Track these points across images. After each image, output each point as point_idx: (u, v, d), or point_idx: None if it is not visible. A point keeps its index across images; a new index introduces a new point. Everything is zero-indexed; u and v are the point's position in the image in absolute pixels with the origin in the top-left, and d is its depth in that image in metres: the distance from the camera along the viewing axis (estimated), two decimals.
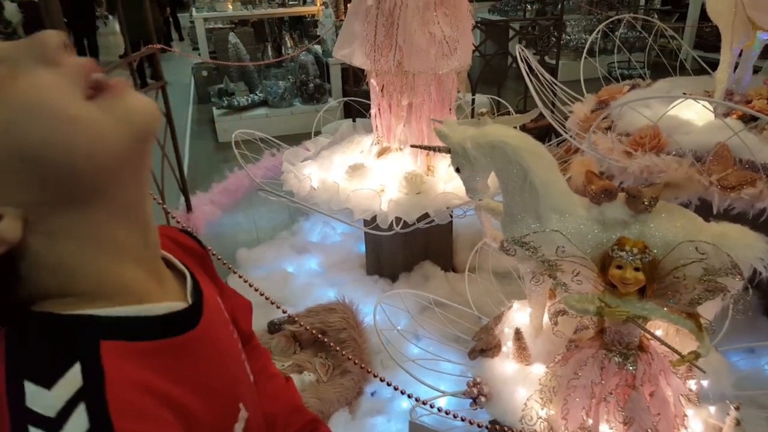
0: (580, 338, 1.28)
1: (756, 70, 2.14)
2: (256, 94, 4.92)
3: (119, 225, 0.47)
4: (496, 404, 1.34)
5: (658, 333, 1.20)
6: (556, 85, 2.36)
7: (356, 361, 1.43)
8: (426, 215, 2.01)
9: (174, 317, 0.50)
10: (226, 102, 4.78)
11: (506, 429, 1.26)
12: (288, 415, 0.77)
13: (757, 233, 1.10)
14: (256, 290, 1.47)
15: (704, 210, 1.54)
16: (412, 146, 2.11)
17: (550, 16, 5.41)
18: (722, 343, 1.51)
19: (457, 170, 1.30)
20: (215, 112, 4.79)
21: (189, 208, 2.57)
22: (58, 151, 0.41)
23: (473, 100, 3.56)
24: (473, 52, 2.19)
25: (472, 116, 3.45)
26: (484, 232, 1.53)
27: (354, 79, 4.15)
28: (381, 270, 2.43)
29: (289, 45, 5.43)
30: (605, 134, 1.97)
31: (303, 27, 6.15)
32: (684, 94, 1.98)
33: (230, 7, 5.93)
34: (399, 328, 1.84)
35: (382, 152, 2.26)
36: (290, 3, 6.12)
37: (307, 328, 1.54)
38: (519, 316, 1.51)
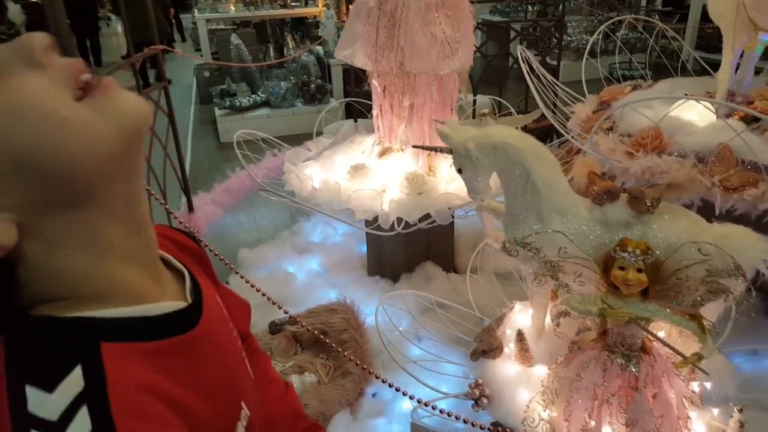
0: (583, 340, 1.28)
1: (758, 71, 2.14)
2: (258, 95, 4.92)
3: (115, 225, 0.47)
4: (498, 406, 1.34)
5: (661, 334, 1.19)
6: (557, 85, 2.36)
7: (357, 362, 1.43)
8: (427, 216, 2.01)
9: (174, 317, 0.50)
10: (228, 102, 4.79)
11: (508, 431, 1.26)
12: (288, 420, 0.77)
13: (759, 234, 1.10)
14: (258, 290, 1.47)
15: (706, 211, 1.53)
16: (414, 147, 2.11)
17: (551, 17, 5.41)
18: (725, 345, 1.50)
19: (459, 171, 1.30)
20: (217, 112, 4.79)
21: (191, 208, 2.57)
22: (49, 153, 0.40)
23: (474, 100, 3.56)
24: (474, 53, 2.19)
25: (474, 117, 3.45)
26: (485, 232, 1.53)
27: (355, 79, 4.15)
28: (382, 270, 2.43)
29: (290, 46, 5.43)
30: (607, 135, 1.97)
31: (305, 28, 6.16)
32: (686, 95, 1.98)
33: (232, 8, 5.94)
34: (400, 329, 1.84)
35: (383, 153, 2.27)
36: (292, 4, 6.12)
37: (309, 328, 1.54)
38: (521, 317, 1.51)
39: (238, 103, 4.78)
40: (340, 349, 1.54)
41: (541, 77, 2.25)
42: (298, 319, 1.68)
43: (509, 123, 2.04)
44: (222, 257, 1.48)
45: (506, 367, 1.39)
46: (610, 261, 1.11)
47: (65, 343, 0.42)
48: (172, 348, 0.48)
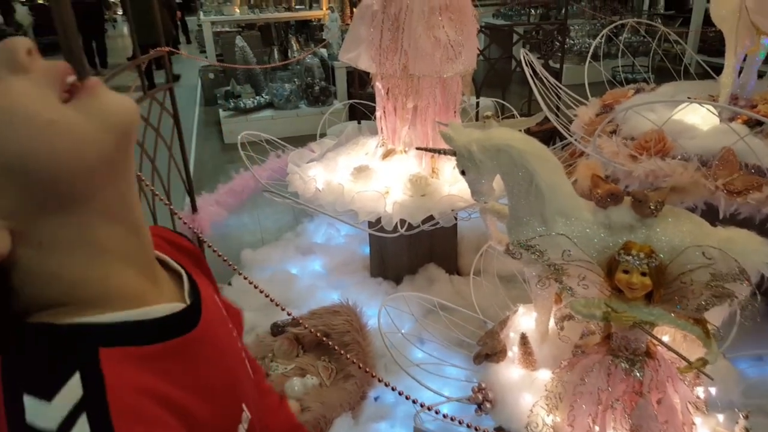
0: (586, 344, 1.28)
1: (761, 75, 2.14)
2: (262, 96, 4.94)
3: (109, 227, 0.46)
4: (501, 410, 1.33)
5: (665, 339, 1.19)
6: (560, 89, 2.36)
7: (360, 365, 1.43)
8: (431, 217, 2.02)
9: (173, 319, 0.50)
10: (232, 104, 4.80)
11: None
12: (285, 431, 0.77)
13: (764, 238, 1.10)
14: (261, 292, 1.47)
15: (710, 215, 1.53)
16: (417, 149, 2.12)
17: (554, 20, 5.41)
18: (729, 350, 1.49)
19: (463, 173, 1.30)
20: (221, 113, 4.81)
21: (194, 208, 2.57)
22: (37, 156, 0.40)
23: (477, 103, 3.56)
24: (477, 56, 2.20)
25: (477, 119, 3.45)
26: (489, 235, 1.53)
27: (359, 81, 4.16)
28: (385, 272, 2.43)
29: (295, 48, 5.45)
30: (610, 138, 1.97)
31: (309, 31, 6.18)
32: (689, 98, 1.98)
33: (237, 10, 5.96)
34: (403, 331, 1.83)
35: (386, 154, 2.27)
36: (297, 7, 6.14)
37: (312, 330, 1.54)
38: (524, 320, 1.51)
39: (242, 105, 4.79)
40: (342, 352, 1.53)
41: (544, 80, 2.25)
42: (300, 321, 1.68)
43: (512, 125, 2.04)
44: (225, 258, 1.48)
45: (510, 371, 1.38)
46: (614, 264, 1.11)
47: (63, 350, 0.42)
48: (171, 350, 0.48)
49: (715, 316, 1.12)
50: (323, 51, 5.17)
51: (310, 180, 2.19)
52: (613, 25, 2.80)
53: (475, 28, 2.11)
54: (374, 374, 1.44)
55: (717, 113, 1.91)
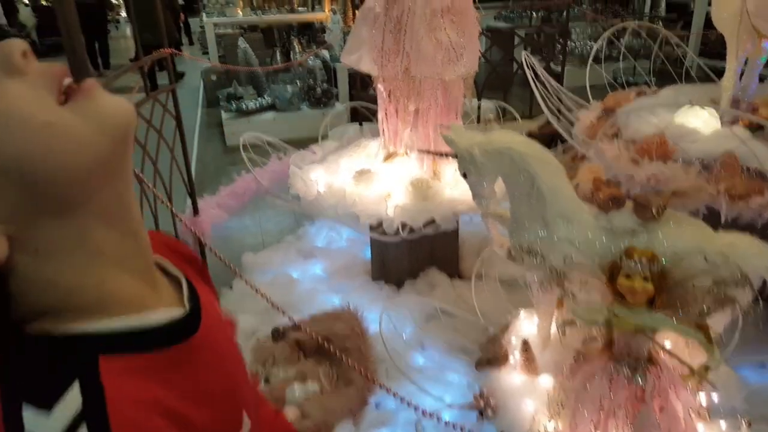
0: (588, 349, 1.27)
1: (762, 79, 2.14)
2: (264, 98, 4.95)
3: (106, 232, 0.46)
4: (503, 417, 1.32)
5: (667, 345, 1.19)
6: (561, 92, 2.36)
7: (362, 371, 1.42)
8: (432, 221, 2.01)
9: (173, 325, 0.49)
10: (234, 106, 4.81)
11: None
12: None
13: (766, 243, 1.10)
14: (262, 296, 1.47)
15: (712, 219, 1.53)
16: (419, 151, 2.12)
17: (556, 23, 5.42)
18: (732, 356, 1.48)
19: (464, 176, 1.31)
20: (224, 115, 4.81)
21: (196, 211, 2.58)
22: (33, 159, 0.40)
23: (479, 105, 3.56)
24: (479, 58, 2.20)
25: (478, 122, 3.45)
26: (490, 238, 1.53)
27: (361, 83, 4.16)
28: (386, 276, 2.42)
29: (297, 50, 5.46)
30: (612, 142, 1.97)
31: (311, 33, 6.19)
32: (690, 102, 1.98)
33: (240, 12, 5.97)
34: (404, 336, 1.83)
35: (388, 157, 2.27)
36: (299, 9, 6.16)
37: (313, 335, 1.53)
38: (526, 325, 1.50)
39: (244, 107, 4.80)
40: (343, 357, 1.53)
41: (546, 83, 2.25)
42: (301, 326, 1.67)
43: (514, 128, 2.04)
44: (227, 261, 1.48)
45: (511, 377, 1.38)
46: (616, 269, 1.10)
47: (62, 360, 0.41)
48: (171, 357, 0.47)
49: (718, 323, 1.11)
50: (325, 53, 5.18)
51: (311, 182, 2.19)
52: (615, 28, 2.80)
53: (476, 30, 2.11)
54: (376, 380, 1.44)
55: (718, 117, 1.91)
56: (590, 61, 2.47)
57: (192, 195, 2.46)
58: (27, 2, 10.26)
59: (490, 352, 1.43)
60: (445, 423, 1.32)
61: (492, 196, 1.32)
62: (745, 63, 2.03)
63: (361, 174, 2.14)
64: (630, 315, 1.09)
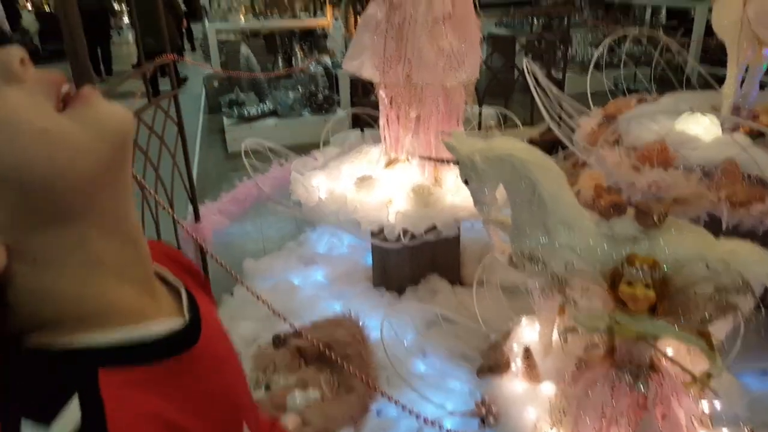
0: (590, 357, 1.27)
1: (763, 86, 2.14)
2: (266, 104, 4.96)
3: (105, 240, 0.45)
4: (505, 424, 1.32)
5: (669, 352, 1.18)
6: (562, 98, 2.37)
7: (363, 378, 1.42)
8: (433, 227, 2.02)
9: (174, 337, 0.48)
10: (236, 112, 4.82)
11: None
12: None
13: (767, 250, 1.10)
14: (264, 303, 1.47)
15: (713, 226, 1.53)
16: (420, 158, 2.12)
17: (557, 30, 5.44)
18: (733, 364, 1.48)
19: (466, 182, 1.31)
20: (225, 121, 4.83)
21: (197, 217, 2.58)
22: (31, 166, 0.39)
23: (480, 112, 3.57)
24: (480, 65, 2.21)
25: (480, 128, 3.46)
26: (492, 244, 1.53)
27: (363, 90, 4.18)
28: (387, 282, 2.42)
29: (299, 56, 5.48)
30: (613, 148, 1.98)
31: (313, 39, 6.22)
32: (691, 109, 1.98)
33: (242, 19, 6.00)
34: (405, 343, 1.82)
35: (390, 163, 2.28)
36: (301, 16, 6.19)
37: (315, 342, 1.53)
38: (528, 332, 1.50)
39: (245, 113, 4.81)
40: (344, 364, 1.52)
41: (547, 90, 2.26)
42: (302, 333, 1.67)
43: (515, 135, 2.05)
44: (228, 267, 1.48)
45: (513, 385, 1.38)
46: (618, 276, 1.10)
47: (61, 374, 0.41)
48: (171, 368, 0.47)
49: (720, 330, 1.11)
50: (327, 59, 5.20)
51: (313, 189, 2.19)
52: (615, 35, 2.81)
53: (478, 37, 2.12)
54: (377, 387, 1.43)
55: (719, 124, 1.92)
56: (591, 68, 2.48)
57: (193, 201, 2.46)
58: (30, 8, 10.34)
59: (492, 359, 1.43)
60: (447, 431, 1.32)
61: (493, 202, 1.32)
62: (746, 70, 2.04)
63: (363, 180, 2.14)
64: (631, 322, 1.08)
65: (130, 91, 2.04)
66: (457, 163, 1.29)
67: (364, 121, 3.19)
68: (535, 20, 6.31)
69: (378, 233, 2.07)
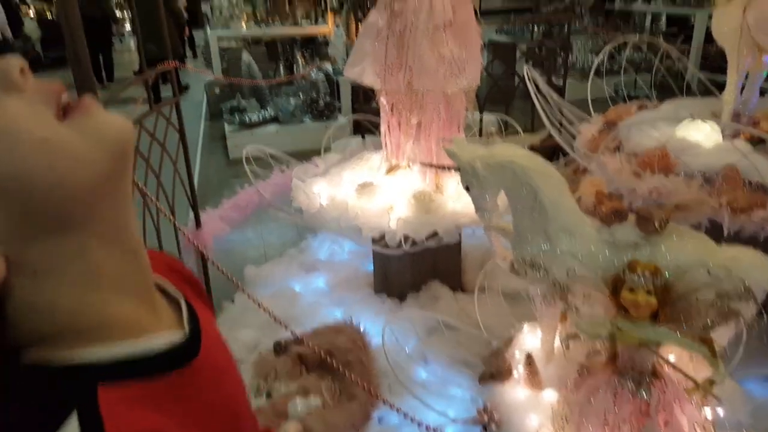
0: (592, 363, 1.27)
1: (763, 92, 2.15)
2: (267, 111, 4.98)
3: (106, 252, 0.45)
4: None
5: (671, 358, 1.18)
6: (563, 105, 2.38)
7: (365, 386, 1.41)
8: (435, 233, 2.02)
9: (174, 351, 0.48)
10: (237, 118, 4.84)
11: None
12: None
13: None
14: (265, 310, 1.46)
15: (714, 232, 1.53)
16: (421, 164, 2.13)
17: (557, 37, 5.47)
18: (736, 370, 1.47)
19: (467, 189, 1.31)
20: (227, 128, 4.84)
21: (198, 224, 2.58)
22: (32, 176, 0.39)
23: (481, 119, 3.58)
24: (481, 72, 2.22)
25: (480, 135, 3.47)
26: (493, 251, 1.53)
27: (364, 96, 4.19)
28: (389, 289, 2.42)
29: (300, 63, 5.51)
30: (614, 155, 1.98)
31: (314, 46, 6.25)
32: (691, 116, 1.99)
33: (244, 26, 6.03)
34: (407, 350, 1.82)
35: (391, 169, 2.28)
36: (303, 23, 6.22)
37: (316, 349, 1.53)
38: (529, 339, 1.50)
39: (247, 119, 4.83)
40: (346, 372, 1.52)
41: (547, 96, 2.26)
42: (303, 340, 1.67)
43: (516, 142, 2.05)
44: (229, 275, 1.48)
45: (515, 392, 1.37)
46: (619, 283, 1.10)
47: (60, 391, 0.40)
48: (171, 382, 0.46)
49: (722, 336, 1.11)
50: (328, 66, 5.22)
51: (314, 195, 2.19)
52: (616, 42, 2.82)
53: (478, 44, 2.13)
54: (378, 395, 1.43)
55: (720, 130, 1.92)
56: (591, 74, 2.49)
57: (194, 208, 2.47)
58: (32, 15, 10.41)
59: (494, 366, 1.42)
60: None
61: (494, 209, 1.32)
62: (746, 77, 2.05)
63: (364, 187, 2.14)
64: (633, 329, 1.08)
65: (132, 97, 2.05)
66: (458, 169, 1.29)
67: (365, 127, 3.20)
68: (535, 27, 6.35)
69: (379, 240, 2.07)
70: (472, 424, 1.37)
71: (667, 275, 1.08)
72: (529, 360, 1.36)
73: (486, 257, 2.19)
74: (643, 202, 1.73)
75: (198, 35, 9.83)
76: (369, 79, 2.15)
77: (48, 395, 0.40)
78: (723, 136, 1.92)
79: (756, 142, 1.83)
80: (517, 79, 4.14)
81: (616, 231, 1.16)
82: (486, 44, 4.00)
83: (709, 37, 3.92)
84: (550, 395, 1.32)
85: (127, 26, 11.94)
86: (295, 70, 5.48)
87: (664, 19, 7.53)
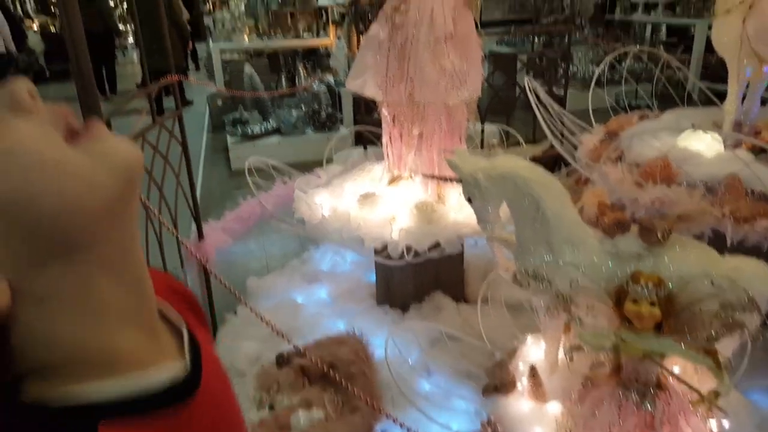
0: (596, 375, 1.26)
1: (764, 102, 2.16)
2: (269, 122, 5.01)
3: (111, 281, 0.44)
4: None
5: (676, 370, 1.17)
6: (564, 115, 2.38)
7: (368, 400, 1.40)
8: (437, 244, 2.01)
9: (176, 386, 0.47)
10: (239, 130, 4.87)
11: None
12: None
13: None
14: (267, 323, 1.46)
15: (717, 242, 1.52)
16: (423, 176, 2.13)
17: (557, 48, 5.50)
18: (741, 381, 1.46)
19: (469, 200, 1.31)
20: (229, 140, 4.87)
21: (201, 235, 2.59)
22: (42, 199, 0.38)
23: (482, 130, 3.60)
24: (482, 83, 2.23)
25: (482, 146, 3.48)
26: (496, 262, 1.52)
27: (365, 107, 4.22)
28: (391, 300, 2.41)
29: (302, 75, 5.55)
30: (615, 165, 1.98)
31: (316, 58, 6.30)
32: (693, 125, 1.99)
33: (246, 38, 6.09)
34: (410, 362, 1.81)
35: (393, 180, 2.29)
36: (304, 35, 6.28)
37: (319, 363, 1.52)
38: (533, 350, 1.49)
39: (249, 131, 4.86)
40: (349, 384, 1.51)
41: (549, 107, 2.27)
42: (305, 352, 1.66)
43: (518, 153, 2.06)
44: (232, 288, 1.48)
45: (519, 404, 1.36)
46: (623, 294, 1.10)
47: (60, 430, 0.40)
48: (171, 416, 0.45)
49: (726, 347, 1.10)
50: (330, 78, 5.26)
51: (316, 206, 2.20)
52: (616, 52, 2.84)
53: (479, 56, 2.15)
54: (381, 409, 1.42)
55: (721, 140, 1.92)
56: (592, 84, 2.50)
57: (197, 220, 2.47)
58: (36, 28, 10.52)
59: (497, 377, 1.41)
60: None
61: (497, 220, 1.32)
62: (747, 86, 2.05)
63: (366, 198, 2.15)
64: (637, 340, 1.08)
65: (136, 109, 2.07)
66: (460, 180, 1.29)
67: (367, 138, 3.22)
68: (535, 38, 6.37)
69: (381, 250, 2.07)
70: None
71: (671, 286, 1.08)
72: (533, 372, 1.35)
73: (489, 268, 2.19)
74: (645, 212, 1.73)
75: (200, 48, 9.92)
76: (371, 91, 2.17)
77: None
78: (725, 146, 1.92)
79: (758, 151, 1.83)
80: (518, 90, 4.16)
81: (619, 242, 1.16)
82: (487, 55, 4.03)
83: (709, 47, 3.94)
84: (554, 407, 1.31)
85: (131, 39, 12.05)
86: (297, 82, 5.52)
87: (664, 29, 7.58)
